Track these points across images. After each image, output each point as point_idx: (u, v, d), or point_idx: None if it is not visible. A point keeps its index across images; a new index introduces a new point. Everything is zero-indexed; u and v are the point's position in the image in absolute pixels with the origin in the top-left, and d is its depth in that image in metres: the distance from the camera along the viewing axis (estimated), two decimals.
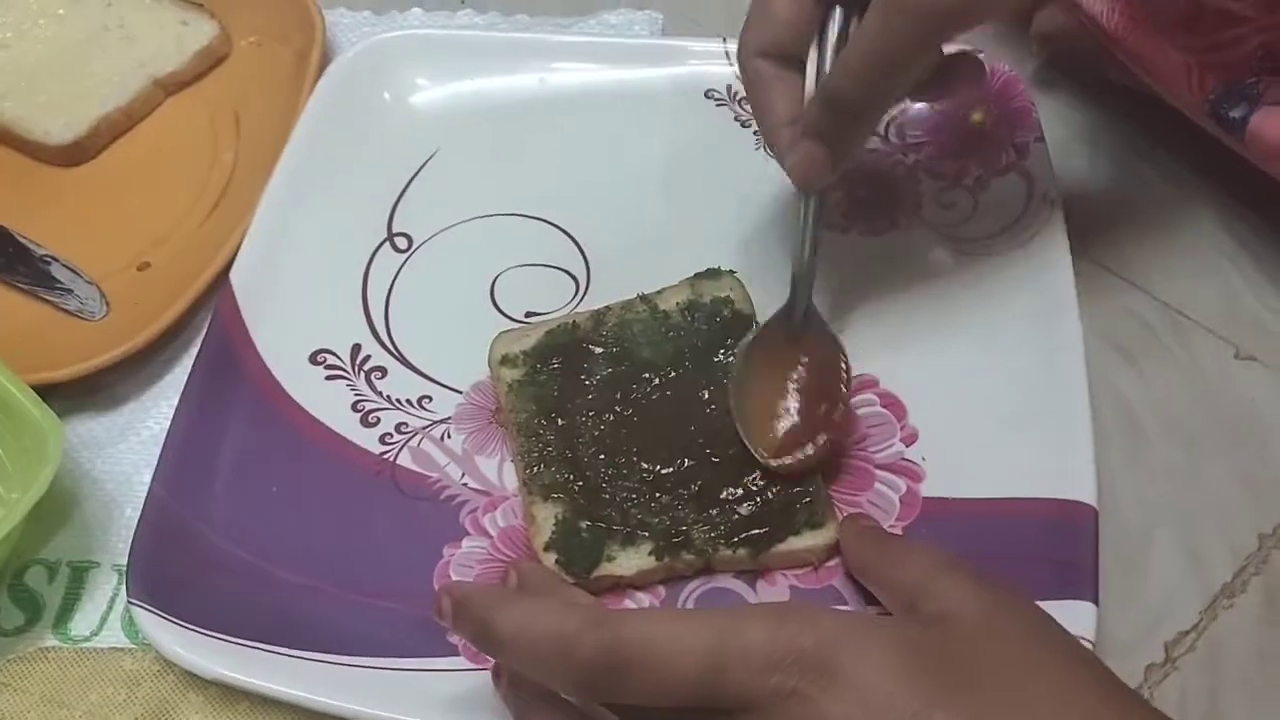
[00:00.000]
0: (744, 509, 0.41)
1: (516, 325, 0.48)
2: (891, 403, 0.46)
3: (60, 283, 0.52)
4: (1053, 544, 0.41)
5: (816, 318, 0.45)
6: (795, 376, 0.44)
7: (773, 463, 0.42)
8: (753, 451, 0.42)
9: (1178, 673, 0.40)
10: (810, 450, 0.42)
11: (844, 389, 0.43)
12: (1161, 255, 0.51)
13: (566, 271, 0.51)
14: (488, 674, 0.39)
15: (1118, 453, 0.45)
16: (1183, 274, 0.50)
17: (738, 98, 0.56)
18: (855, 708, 0.30)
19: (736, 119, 0.55)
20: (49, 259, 0.52)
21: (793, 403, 0.43)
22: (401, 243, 0.52)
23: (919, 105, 0.53)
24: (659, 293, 0.47)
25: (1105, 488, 0.42)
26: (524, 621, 0.32)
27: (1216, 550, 0.43)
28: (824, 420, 0.43)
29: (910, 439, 0.45)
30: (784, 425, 0.43)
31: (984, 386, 0.45)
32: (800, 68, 0.43)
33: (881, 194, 0.52)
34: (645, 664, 0.31)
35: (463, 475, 0.45)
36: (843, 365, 0.44)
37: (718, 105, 0.56)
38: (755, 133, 0.55)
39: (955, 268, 0.49)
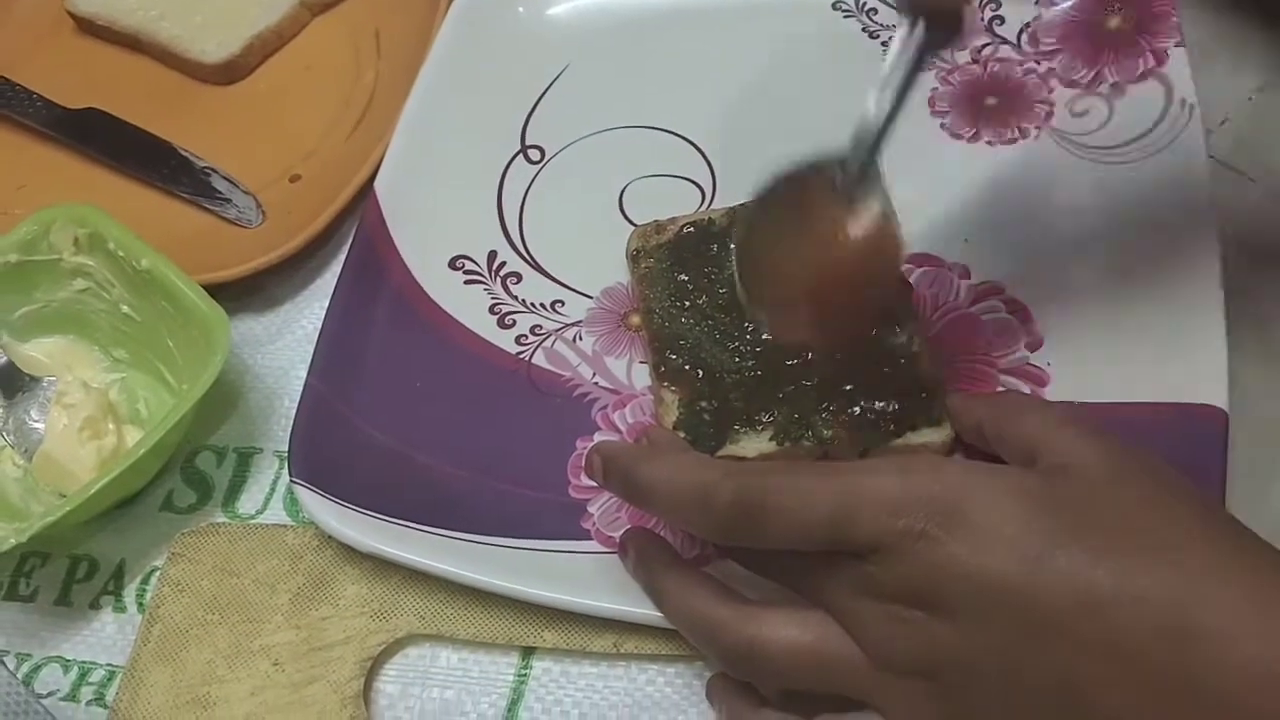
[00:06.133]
0: (864, 404, 0.42)
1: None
2: (1017, 309, 0.46)
3: (220, 193, 0.55)
4: (1181, 447, 0.40)
5: (877, 185, 0.36)
6: (824, 242, 0.36)
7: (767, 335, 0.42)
8: (746, 306, 0.39)
9: None
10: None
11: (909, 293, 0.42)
12: None
13: (693, 181, 0.52)
14: (615, 555, 0.41)
15: (1252, 361, 0.44)
16: None
17: (865, 8, 0.56)
18: (981, 548, 0.31)
19: (864, 29, 0.55)
20: (209, 171, 0.56)
21: (809, 275, 0.37)
22: (534, 154, 0.54)
23: (1053, 11, 0.53)
24: None
25: (1236, 392, 0.41)
26: (667, 473, 0.35)
27: None
28: (844, 312, 0.37)
29: (1035, 345, 0.45)
30: (786, 295, 0.38)
31: (1114, 293, 0.45)
32: None
33: (1011, 102, 0.52)
34: (780, 509, 0.33)
35: (594, 375, 0.47)
36: (897, 251, 0.36)
37: (845, 16, 0.56)
38: (883, 43, 0.55)
39: (1087, 176, 0.49)
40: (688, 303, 0.46)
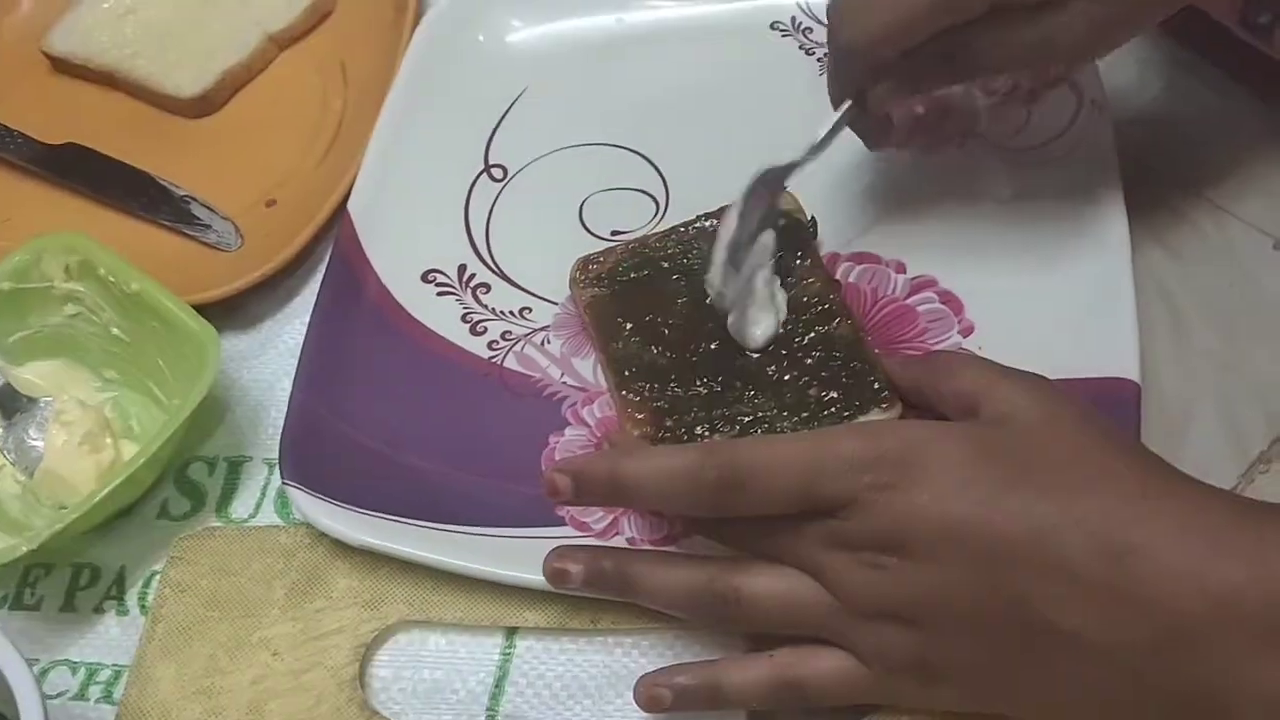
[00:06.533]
0: (814, 391, 0.45)
1: (599, 246, 0.52)
2: (950, 299, 0.50)
3: (199, 219, 0.58)
4: None
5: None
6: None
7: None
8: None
9: None
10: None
11: None
12: (1204, 156, 0.54)
13: (647, 193, 0.56)
14: (593, 540, 0.44)
15: (1162, 338, 0.48)
16: (1224, 173, 0.53)
17: (801, 28, 0.60)
18: (941, 495, 0.35)
19: (801, 47, 0.59)
20: (188, 199, 0.59)
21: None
22: (498, 173, 0.58)
23: None
24: (719, 210, 0.50)
25: (1149, 369, 0.46)
26: (648, 465, 0.38)
27: (1253, 424, 0.46)
28: None
29: (967, 331, 0.49)
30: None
31: (1036, 281, 0.49)
32: None
33: (940, 112, 0.56)
34: (756, 476, 0.37)
35: (562, 375, 0.51)
36: None
37: (782, 36, 0.60)
38: (818, 59, 0.59)
39: (1009, 175, 0.53)
40: (630, 325, 0.48)
